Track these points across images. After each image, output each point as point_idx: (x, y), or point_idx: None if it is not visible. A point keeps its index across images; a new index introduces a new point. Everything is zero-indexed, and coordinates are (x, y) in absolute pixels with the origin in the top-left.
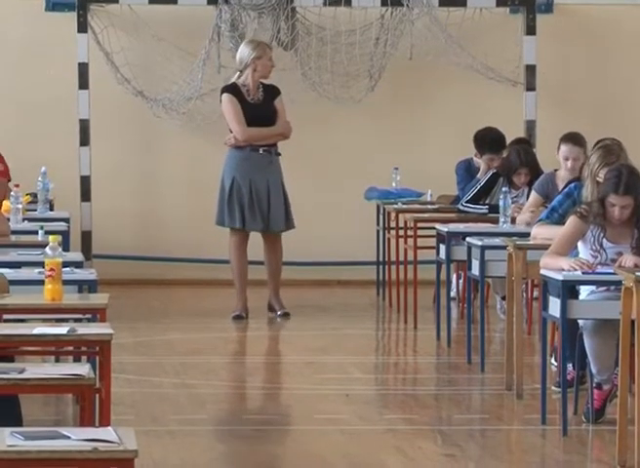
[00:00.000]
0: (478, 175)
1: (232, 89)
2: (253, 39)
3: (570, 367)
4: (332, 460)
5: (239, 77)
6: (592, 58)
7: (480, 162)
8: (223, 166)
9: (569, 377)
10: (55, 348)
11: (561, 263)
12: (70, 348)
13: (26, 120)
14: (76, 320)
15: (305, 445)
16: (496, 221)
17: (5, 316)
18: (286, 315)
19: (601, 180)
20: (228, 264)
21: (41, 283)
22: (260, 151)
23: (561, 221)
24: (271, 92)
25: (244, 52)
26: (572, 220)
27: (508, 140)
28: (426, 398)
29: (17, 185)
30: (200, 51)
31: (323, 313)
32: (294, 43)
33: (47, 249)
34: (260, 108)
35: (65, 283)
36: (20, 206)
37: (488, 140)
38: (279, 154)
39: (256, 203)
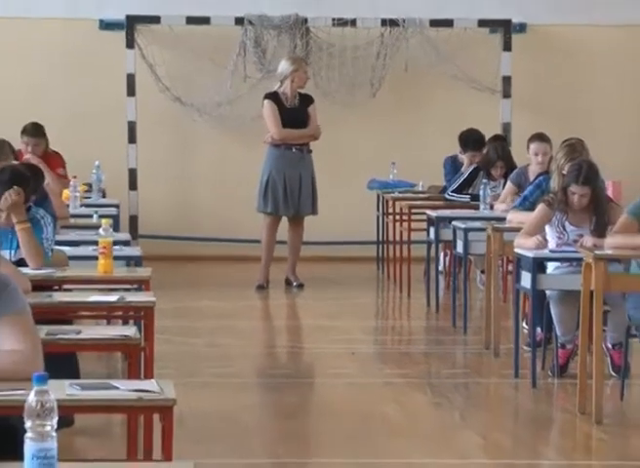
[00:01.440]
0: (462, 169)
1: (273, 96)
2: (292, 55)
3: (538, 330)
4: (340, 408)
5: (280, 86)
6: (559, 71)
7: (464, 158)
8: (263, 162)
9: (538, 339)
10: (106, 313)
11: (529, 243)
12: (119, 313)
13: (84, 122)
14: (124, 289)
15: (318, 395)
16: (477, 208)
17: (65, 286)
18: (301, 286)
19: (565, 173)
20: (251, 243)
21: (95, 258)
22: (293, 150)
23: (532, 208)
24: (306, 99)
25: (284, 66)
26: (540, 207)
27: (488, 141)
28: (418, 355)
29: (74, 177)
30: (228, 63)
31: (332, 284)
32: (307, 57)
33: (100, 230)
34: (296, 113)
35: (116, 258)
36: (77, 194)
37: (471, 140)
38: (310, 151)
39: (288, 193)
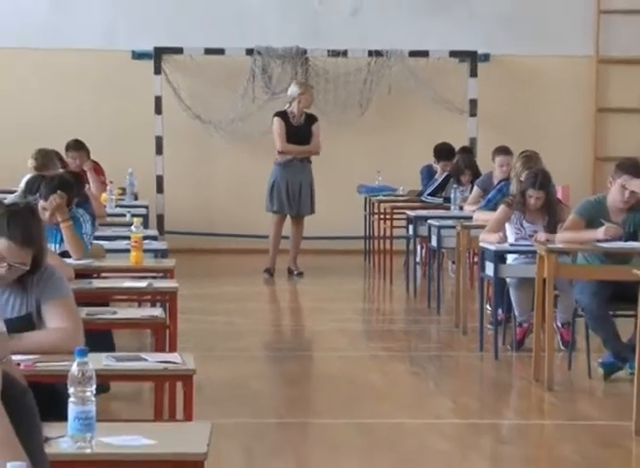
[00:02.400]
0: (436, 176)
1: (282, 114)
2: (300, 81)
3: (500, 311)
4: (333, 377)
5: (289, 106)
6: (516, 94)
7: (437, 166)
8: (271, 171)
9: (499, 318)
10: (137, 297)
11: (492, 238)
12: (148, 297)
13: (119, 136)
14: (152, 277)
15: (315, 366)
16: (448, 208)
17: (102, 274)
18: (300, 274)
19: (523, 180)
20: (260, 238)
21: (128, 251)
22: (295, 161)
23: (494, 208)
24: (311, 119)
25: (293, 89)
26: (501, 208)
27: (458, 152)
28: (398, 333)
29: (111, 182)
30: (240, 87)
31: (326, 273)
32: (307, 81)
33: (132, 227)
34: (301, 130)
35: (145, 251)
36: (113, 196)
37: (443, 151)
38: (310, 162)
39: (290, 196)
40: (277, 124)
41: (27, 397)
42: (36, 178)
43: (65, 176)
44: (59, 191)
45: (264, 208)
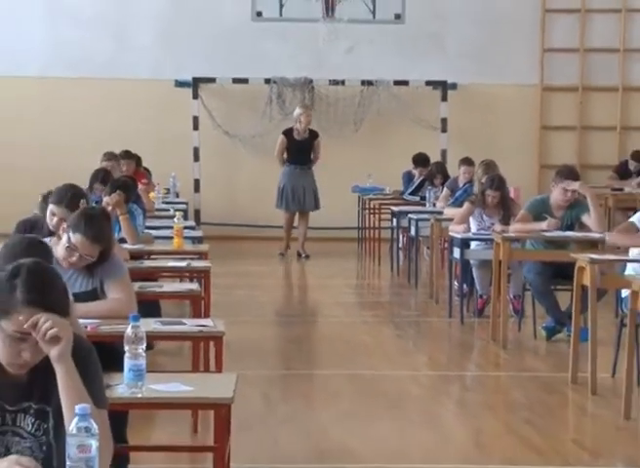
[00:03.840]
0: (414, 179)
1: (287, 131)
2: (302, 104)
3: (465, 286)
4: (332, 337)
5: (295, 124)
6: (478, 115)
7: (415, 172)
8: (279, 176)
9: (464, 292)
10: (179, 274)
11: (459, 229)
12: (187, 274)
13: (165, 148)
14: (191, 258)
15: (317, 329)
16: (424, 205)
17: (152, 256)
18: (307, 257)
19: (483, 182)
20: (276, 228)
21: (171, 238)
22: (299, 168)
23: (460, 205)
24: (313, 134)
25: (297, 111)
26: (466, 205)
27: (432, 160)
28: (385, 303)
29: (158, 183)
30: (260, 109)
31: (327, 256)
32: (312, 105)
33: (175, 219)
34: (303, 144)
35: (185, 238)
36: (160, 195)
37: (420, 160)
38: (310, 168)
39: (296, 196)
40: (279, 140)
41: (92, 353)
42: (99, 171)
43: (125, 180)
44: (118, 190)
45: (274, 205)
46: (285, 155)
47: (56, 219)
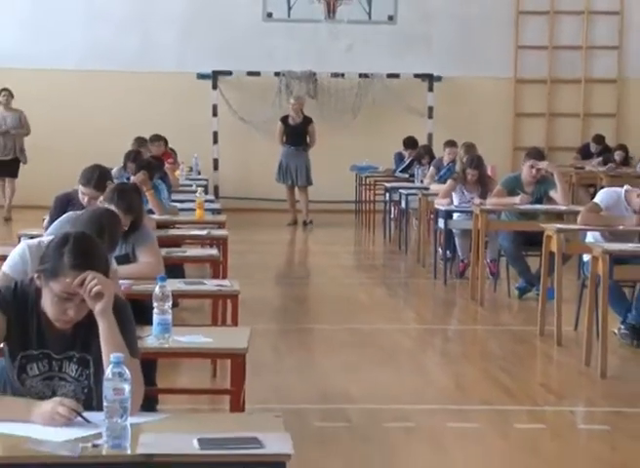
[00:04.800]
0: (405, 159)
1: (283, 118)
2: (295, 96)
3: (448, 251)
4: (332, 296)
5: (290, 112)
6: (460, 103)
7: (405, 153)
8: (279, 155)
9: (447, 257)
10: (200, 241)
11: (443, 202)
12: (208, 241)
13: (188, 132)
14: (211, 228)
15: (320, 289)
16: (412, 182)
17: (177, 225)
18: (311, 222)
19: (464, 162)
20: (284, 202)
21: (194, 210)
22: (293, 148)
23: (444, 182)
24: (307, 120)
25: (291, 101)
26: (449, 182)
27: (420, 143)
28: (378, 266)
29: (182, 163)
30: (270, 99)
31: (329, 225)
32: (316, 94)
33: (197, 193)
34: (297, 129)
35: (206, 209)
36: (184, 173)
37: (410, 142)
38: (305, 149)
39: (291, 172)
40: (278, 125)
41: (127, 309)
42: (131, 152)
43: (149, 160)
44: (142, 170)
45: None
46: (283, 138)
47: (86, 198)
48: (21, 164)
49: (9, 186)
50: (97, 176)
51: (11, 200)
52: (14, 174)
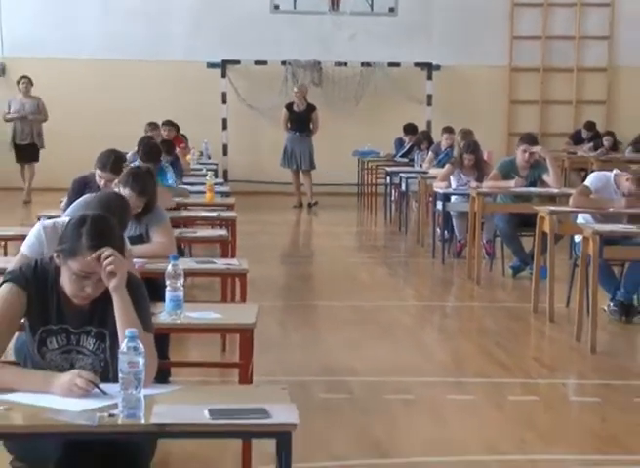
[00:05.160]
0: (405, 145)
1: (288, 105)
2: (297, 85)
3: (445, 232)
4: (335, 275)
5: (294, 99)
6: (457, 91)
7: (405, 139)
8: (284, 140)
9: (445, 237)
10: (210, 222)
11: (441, 185)
12: (217, 222)
13: (199, 118)
14: (220, 209)
15: (324, 268)
16: (412, 166)
17: (188, 207)
18: (316, 203)
19: (461, 147)
20: (290, 185)
21: (204, 192)
22: (298, 134)
23: (443, 166)
24: (310, 108)
25: (294, 89)
26: (447, 166)
27: (419, 129)
28: (379, 247)
29: (193, 148)
30: (277, 87)
31: (333, 208)
32: (321, 82)
33: (207, 177)
34: (301, 115)
35: (215, 192)
36: (195, 157)
37: (410, 128)
38: (309, 135)
39: (295, 157)
40: (283, 112)
41: (142, 287)
42: (145, 137)
43: (153, 145)
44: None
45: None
46: (288, 124)
47: (103, 182)
48: (40, 149)
49: (28, 170)
50: (112, 161)
51: (30, 183)
52: (33, 158)
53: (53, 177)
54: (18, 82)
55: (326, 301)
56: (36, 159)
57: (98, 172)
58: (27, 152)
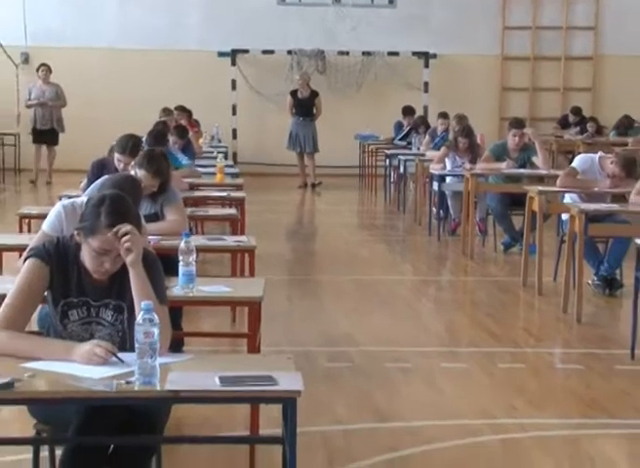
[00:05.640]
0: (403, 128)
1: (292, 91)
2: (301, 73)
3: (441, 211)
4: (337, 251)
5: (298, 86)
6: (452, 78)
7: (404, 122)
8: (289, 125)
9: (441, 216)
10: (221, 202)
11: (437, 167)
12: (228, 202)
13: (210, 104)
14: (230, 190)
15: (327, 244)
16: (410, 149)
17: (200, 188)
18: (320, 183)
19: (456, 131)
20: (296, 166)
21: (215, 174)
22: (302, 119)
23: (439, 149)
24: (313, 94)
25: (296, 77)
26: (443, 149)
27: (417, 114)
28: (379, 225)
29: (205, 131)
30: (283, 74)
31: (335, 188)
32: (324, 70)
33: (217, 159)
34: (305, 102)
35: (226, 173)
36: (206, 141)
37: (408, 110)
38: (312, 120)
39: (300, 140)
40: (287, 98)
41: (156, 262)
42: (159, 123)
43: (159, 130)
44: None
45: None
46: (293, 109)
47: (122, 164)
48: (60, 133)
49: (49, 153)
50: (131, 145)
51: (51, 166)
52: (54, 142)
53: (73, 160)
54: (37, 69)
55: (329, 275)
56: (56, 143)
57: (117, 155)
58: (47, 137)
